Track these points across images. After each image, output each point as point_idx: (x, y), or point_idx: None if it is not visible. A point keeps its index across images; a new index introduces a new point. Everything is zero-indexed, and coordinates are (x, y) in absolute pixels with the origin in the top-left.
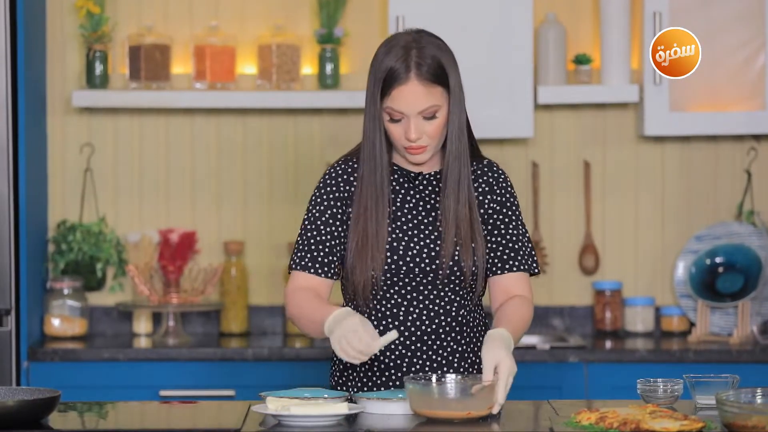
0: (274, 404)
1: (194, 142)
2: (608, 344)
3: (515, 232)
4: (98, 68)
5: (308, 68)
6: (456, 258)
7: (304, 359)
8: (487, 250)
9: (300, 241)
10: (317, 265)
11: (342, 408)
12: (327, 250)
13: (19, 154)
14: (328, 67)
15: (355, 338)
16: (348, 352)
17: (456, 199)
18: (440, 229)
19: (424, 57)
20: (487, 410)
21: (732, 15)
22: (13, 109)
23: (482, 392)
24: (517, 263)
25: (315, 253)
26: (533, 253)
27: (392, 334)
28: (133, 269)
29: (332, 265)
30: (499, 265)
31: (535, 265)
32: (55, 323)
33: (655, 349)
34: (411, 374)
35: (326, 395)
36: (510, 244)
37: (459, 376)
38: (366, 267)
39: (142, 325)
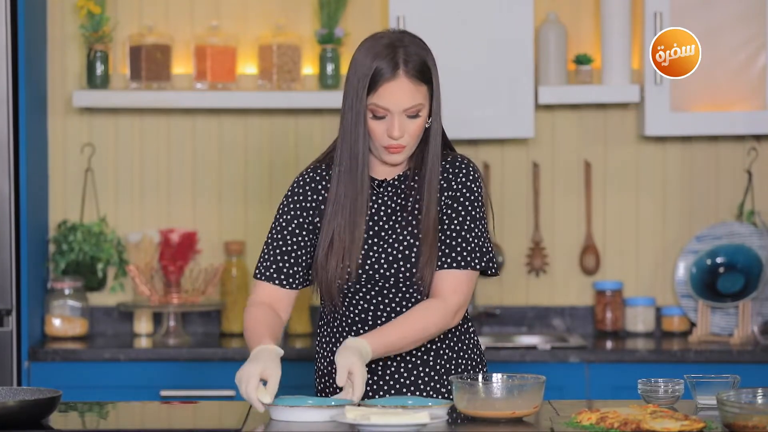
0: (353, 413)
1: (195, 142)
2: (609, 344)
3: (459, 228)
4: (99, 68)
5: (309, 68)
6: (422, 262)
7: (305, 359)
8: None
9: (266, 250)
10: (282, 276)
11: (423, 417)
12: (293, 260)
13: (19, 154)
14: (329, 68)
15: (243, 387)
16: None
17: (436, 202)
18: (403, 233)
19: (410, 55)
20: (532, 410)
21: (733, 15)
22: (14, 109)
23: (527, 392)
24: (449, 260)
25: (280, 264)
26: (484, 249)
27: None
28: (133, 269)
29: (297, 276)
30: (438, 263)
31: (476, 262)
32: (56, 323)
33: (656, 349)
34: (457, 375)
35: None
36: (448, 240)
37: (505, 376)
38: (339, 271)
39: (142, 325)
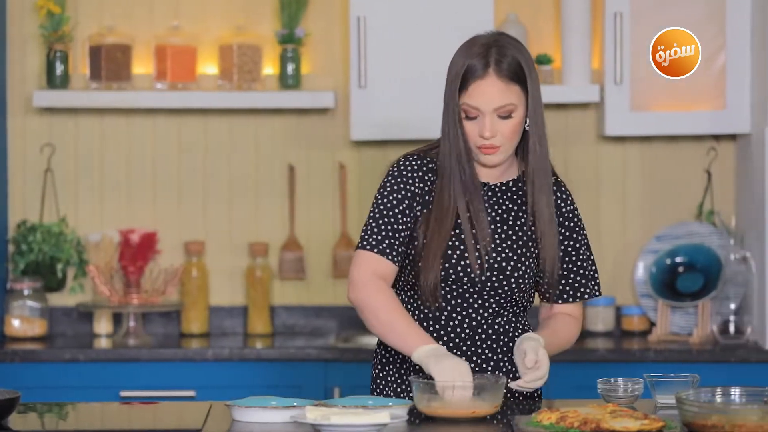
0: (314, 413)
1: (155, 143)
2: None
3: (585, 258)
4: (59, 68)
5: (269, 68)
6: (522, 271)
7: (265, 359)
8: (557, 276)
9: (376, 224)
10: (394, 253)
11: (384, 417)
12: (400, 240)
13: None
14: (290, 68)
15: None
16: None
17: (547, 203)
18: (502, 245)
19: (503, 55)
20: (492, 409)
21: (692, 16)
22: None
23: (488, 391)
24: (588, 290)
25: (392, 240)
26: (597, 274)
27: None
28: (93, 270)
29: (401, 255)
30: (571, 293)
31: (598, 287)
32: (15, 324)
33: (616, 348)
34: (416, 375)
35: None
36: (582, 271)
37: None
38: (437, 267)
39: (102, 325)
